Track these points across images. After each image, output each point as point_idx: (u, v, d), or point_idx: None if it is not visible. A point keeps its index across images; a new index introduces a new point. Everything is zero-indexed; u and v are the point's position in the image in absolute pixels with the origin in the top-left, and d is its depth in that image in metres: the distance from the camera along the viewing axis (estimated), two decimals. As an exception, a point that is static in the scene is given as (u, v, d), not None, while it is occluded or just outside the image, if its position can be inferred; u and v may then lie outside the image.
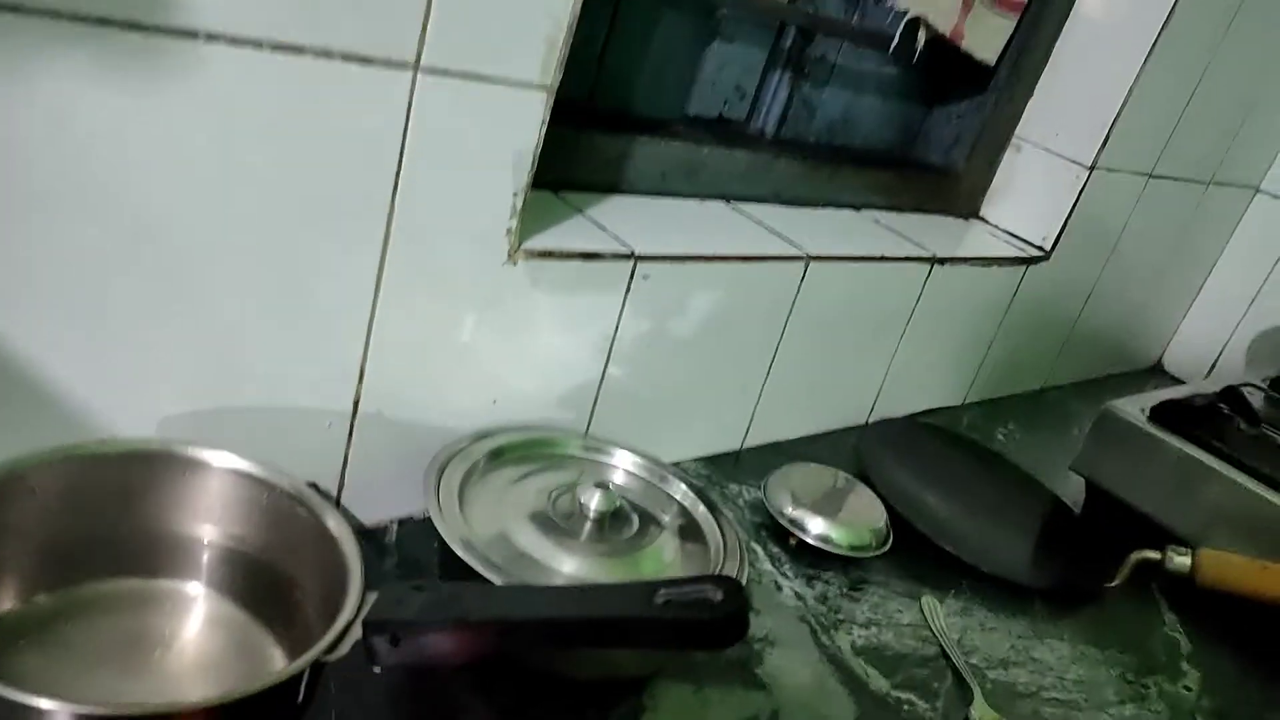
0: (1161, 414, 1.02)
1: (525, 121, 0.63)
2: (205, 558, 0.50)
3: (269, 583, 0.49)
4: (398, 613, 0.41)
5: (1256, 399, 1.13)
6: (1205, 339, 1.59)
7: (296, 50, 0.52)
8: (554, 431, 0.74)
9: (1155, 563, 0.89)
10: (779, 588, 0.79)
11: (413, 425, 0.69)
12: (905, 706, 0.71)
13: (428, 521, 0.60)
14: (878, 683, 0.72)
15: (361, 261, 0.61)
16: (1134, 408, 1.03)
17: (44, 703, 0.35)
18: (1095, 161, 1.14)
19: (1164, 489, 0.99)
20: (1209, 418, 1.05)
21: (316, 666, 0.40)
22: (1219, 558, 0.87)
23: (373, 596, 0.42)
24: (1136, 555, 0.90)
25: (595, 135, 0.83)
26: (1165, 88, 1.16)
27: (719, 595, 0.39)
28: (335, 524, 0.47)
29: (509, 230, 0.66)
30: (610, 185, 0.86)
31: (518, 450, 0.70)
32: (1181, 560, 0.87)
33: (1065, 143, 1.16)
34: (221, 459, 0.49)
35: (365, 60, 0.55)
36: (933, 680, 0.74)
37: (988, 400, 1.29)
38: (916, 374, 1.12)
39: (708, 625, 0.39)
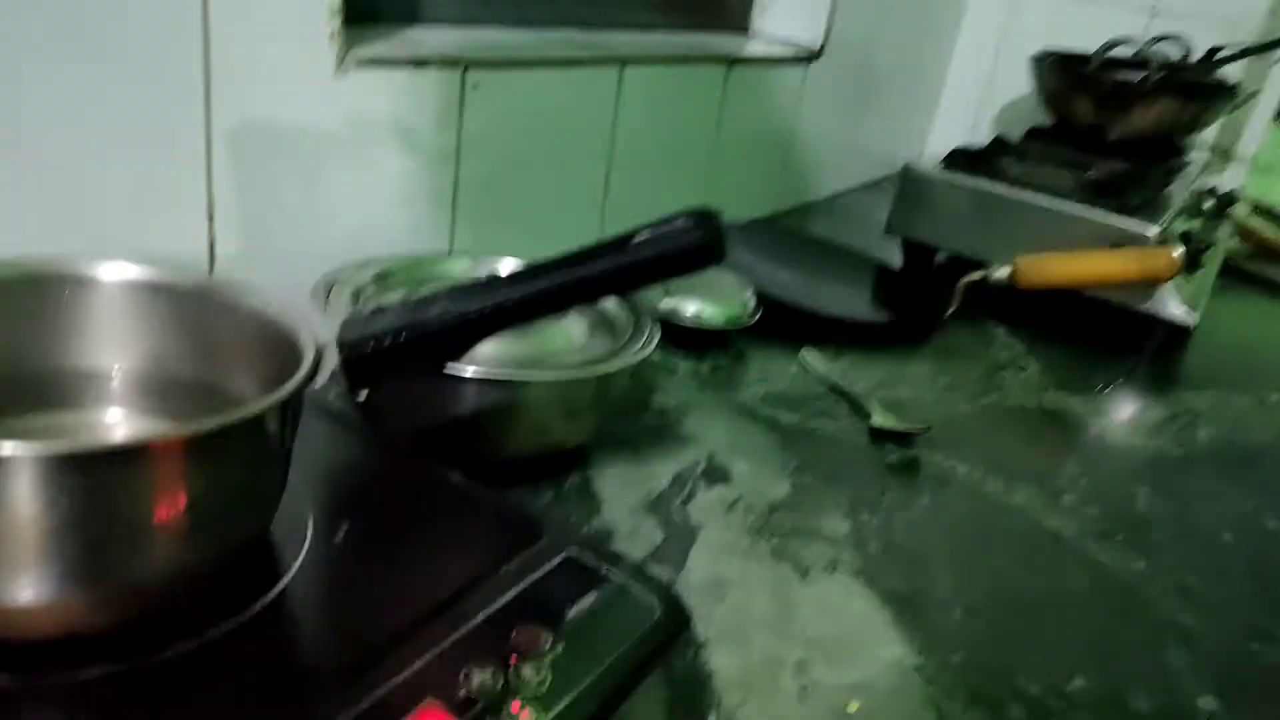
0: (952, 162, 1.12)
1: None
2: (116, 385, 0.44)
3: (194, 392, 0.45)
4: (371, 328, 0.39)
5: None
6: (956, 129, 1.75)
7: None
8: (436, 254, 0.71)
9: (980, 281, 0.98)
10: (673, 371, 0.82)
11: (276, 274, 0.64)
12: (817, 430, 0.75)
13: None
14: (787, 418, 0.76)
15: (186, 57, 0.55)
16: (928, 163, 1.12)
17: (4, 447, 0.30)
18: (845, -47, 1.21)
19: (966, 225, 1.09)
20: (985, 163, 1.16)
21: (295, 402, 0.38)
22: (1032, 259, 0.97)
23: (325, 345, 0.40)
24: (964, 280, 0.99)
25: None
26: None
27: (692, 225, 0.39)
28: (254, 301, 0.44)
29: (332, 34, 0.62)
30: (406, 15, 0.82)
31: (401, 274, 0.67)
32: (1003, 271, 0.97)
33: (814, -59, 1.22)
34: (113, 271, 0.44)
35: None
36: (831, 409, 0.79)
37: (792, 209, 1.36)
38: (729, 187, 1.16)
39: (686, 251, 0.39)
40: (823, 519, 0.63)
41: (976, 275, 0.98)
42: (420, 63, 0.69)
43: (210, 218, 0.59)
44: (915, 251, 1.15)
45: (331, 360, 0.39)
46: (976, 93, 1.70)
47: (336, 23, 0.62)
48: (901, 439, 0.75)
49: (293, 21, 0.60)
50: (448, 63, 0.71)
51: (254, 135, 0.60)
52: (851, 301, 1.02)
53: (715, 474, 0.66)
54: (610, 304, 0.70)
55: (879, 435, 0.76)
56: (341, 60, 0.63)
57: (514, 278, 0.39)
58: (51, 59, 0.49)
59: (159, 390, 0.45)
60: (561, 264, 0.40)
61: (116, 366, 0.45)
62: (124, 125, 0.53)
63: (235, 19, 0.56)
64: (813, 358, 0.87)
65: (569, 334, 0.65)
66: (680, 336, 0.85)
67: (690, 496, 0.63)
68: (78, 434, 0.43)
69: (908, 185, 1.12)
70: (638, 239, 0.40)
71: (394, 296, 0.65)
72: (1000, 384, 0.90)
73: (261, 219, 0.62)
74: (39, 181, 0.51)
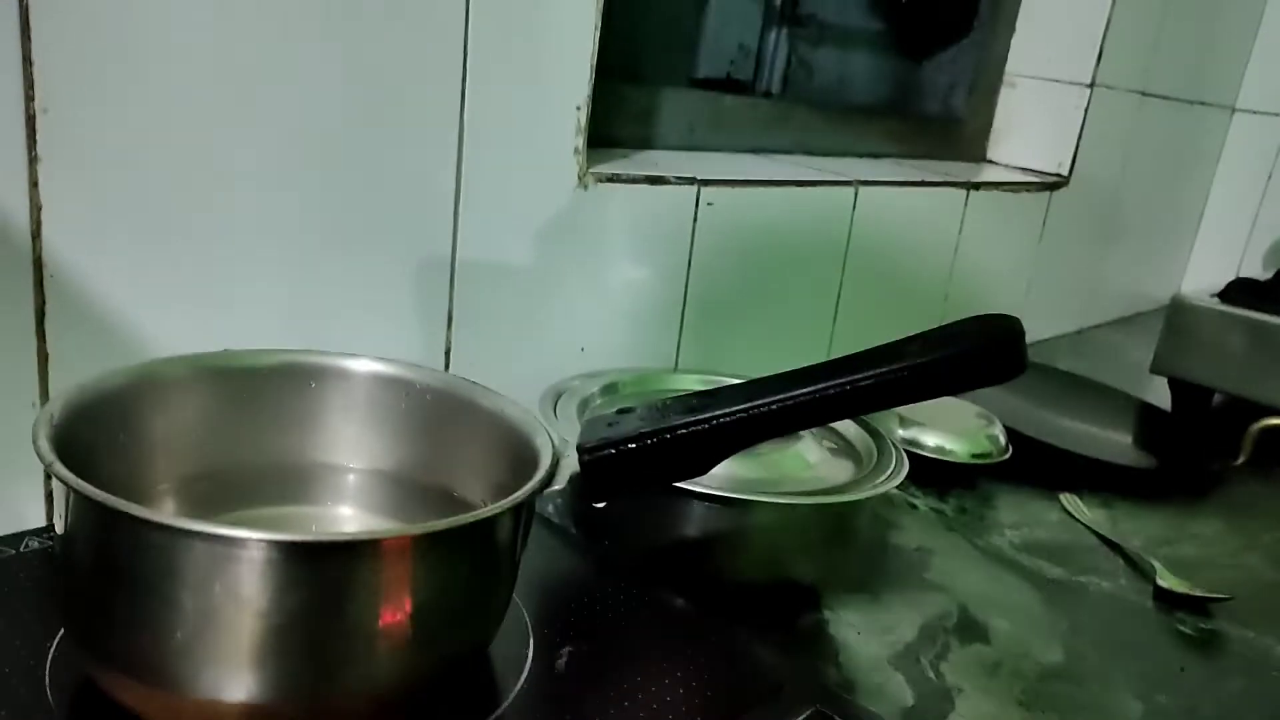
0: (1230, 295, 0.99)
1: (580, 26, 0.61)
2: (350, 481, 0.43)
3: (425, 493, 0.43)
4: (615, 432, 0.35)
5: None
6: (1216, 266, 1.59)
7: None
8: (664, 368, 0.69)
9: (1276, 428, 0.85)
10: (913, 506, 0.74)
11: (503, 383, 0.63)
12: (1089, 587, 0.65)
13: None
14: (1052, 571, 0.66)
15: (439, 177, 0.57)
16: (1202, 295, 1.00)
17: (241, 533, 0.28)
18: (1094, 78, 1.15)
19: (1250, 365, 0.95)
20: (1272, 296, 1.02)
21: (529, 507, 0.34)
22: (1345, 403, 0.83)
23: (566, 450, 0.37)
24: (1257, 426, 0.86)
25: (622, 87, 0.80)
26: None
27: (986, 331, 0.34)
28: (492, 402, 0.42)
29: (576, 149, 0.63)
30: (641, 141, 0.83)
31: (629, 386, 0.64)
32: (1306, 417, 0.83)
33: (1060, 67, 1.16)
34: (359, 364, 0.43)
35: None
36: (1104, 564, 0.68)
37: (1035, 343, 1.25)
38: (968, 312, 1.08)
39: (980, 357, 0.34)
40: (1108, 695, 0.53)
41: (1274, 420, 0.85)
42: (656, 180, 0.68)
43: (449, 324, 0.59)
44: (1186, 392, 1.01)
45: (568, 466, 0.36)
46: (1241, 226, 1.54)
47: (580, 140, 0.63)
48: (1196, 606, 0.63)
49: (540, 141, 0.61)
50: (683, 180, 0.70)
51: (493, 246, 0.60)
52: (1115, 444, 0.91)
53: (970, 629, 0.57)
54: (850, 429, 0.64)
55: (1166, 599, 0.64)
56: (581, 177, 0.63)
57: (770, 383, 0.35)
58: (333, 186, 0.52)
59: (391, 488, 0.44)
60: (823, 371, 0.35)
61: (353, 462, 0.44)
62: (380, 234, 0.55)
63: (486, 112, 0.57)
64: (1076, 505, 0.77)
65: (805, 458, 0.60)
66: (918, 470, 0.77)
67: (943, 653, 0.54)
68: (310, 527, 0.42)
69: (1178, 319, 1.00)
70: (915, 345, 0.35)
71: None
72: (1314, 549, 0.75)
73: (495, 327, 0.62)
74: (294, 281, 0.52)
